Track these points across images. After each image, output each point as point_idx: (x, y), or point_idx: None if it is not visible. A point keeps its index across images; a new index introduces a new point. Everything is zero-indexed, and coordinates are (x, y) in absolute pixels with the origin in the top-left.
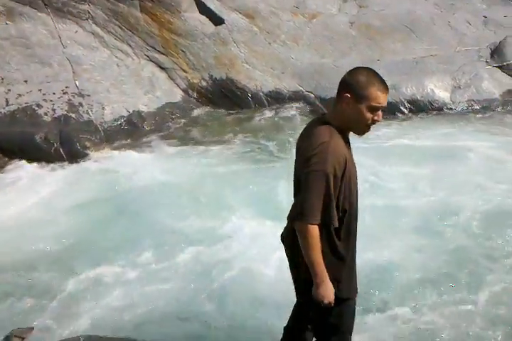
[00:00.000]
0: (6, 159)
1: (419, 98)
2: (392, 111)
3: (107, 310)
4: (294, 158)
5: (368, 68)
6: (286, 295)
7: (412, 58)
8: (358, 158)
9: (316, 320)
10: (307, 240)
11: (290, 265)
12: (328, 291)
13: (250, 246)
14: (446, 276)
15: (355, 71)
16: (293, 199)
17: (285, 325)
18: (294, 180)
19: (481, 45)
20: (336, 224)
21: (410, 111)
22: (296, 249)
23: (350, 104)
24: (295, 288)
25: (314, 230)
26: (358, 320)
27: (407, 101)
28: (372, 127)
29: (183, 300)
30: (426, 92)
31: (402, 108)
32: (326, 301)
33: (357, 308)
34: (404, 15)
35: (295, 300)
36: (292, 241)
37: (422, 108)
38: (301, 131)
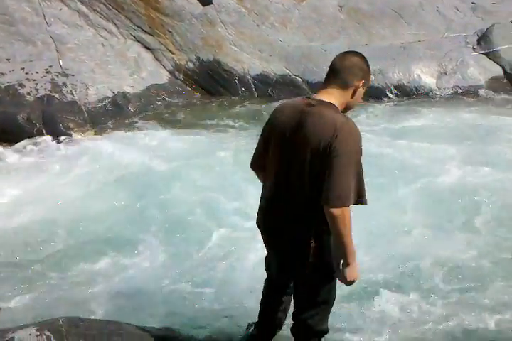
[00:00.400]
0: None
1: (405, 83)
2: (378, 96)
3: (97, 295)
4: (281, 137)
5: (359, 52)
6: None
7: (399, 43)
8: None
9: (306, 297)
10: (345, 223)
11: (282, 247)
12: (356, 271)
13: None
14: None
15: (360, 56)
16: (275, 180)
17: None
18: (289, 159)
19: (469, 31)
20: (367, 202)
21: (396, 96)
22: (296, 233)
23: (361, 89)
24: (281, 268)
25: (348, 212)
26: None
27: (394, 87)
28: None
29: (182, 284)
30: (412, 78)
31: (388, 93)
32: (356, 279)
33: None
34: (393, 0)
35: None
36: (284, 225)
37: (408, 93)
38: (282, 110)
